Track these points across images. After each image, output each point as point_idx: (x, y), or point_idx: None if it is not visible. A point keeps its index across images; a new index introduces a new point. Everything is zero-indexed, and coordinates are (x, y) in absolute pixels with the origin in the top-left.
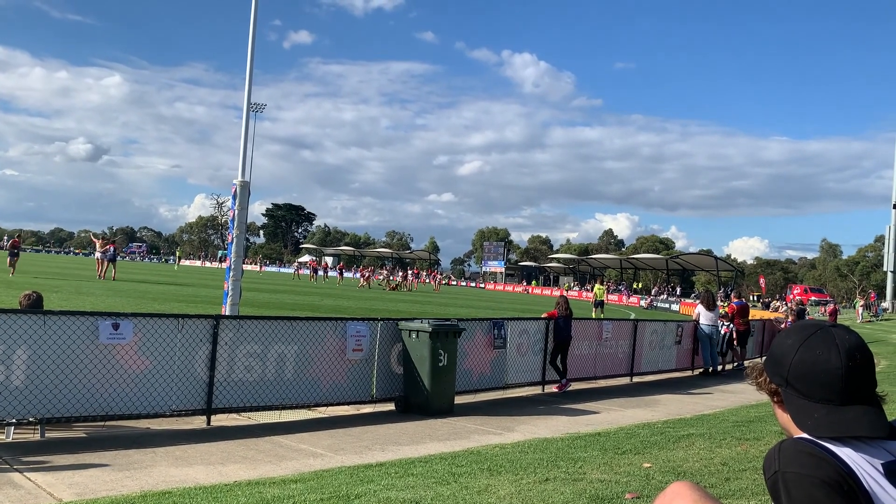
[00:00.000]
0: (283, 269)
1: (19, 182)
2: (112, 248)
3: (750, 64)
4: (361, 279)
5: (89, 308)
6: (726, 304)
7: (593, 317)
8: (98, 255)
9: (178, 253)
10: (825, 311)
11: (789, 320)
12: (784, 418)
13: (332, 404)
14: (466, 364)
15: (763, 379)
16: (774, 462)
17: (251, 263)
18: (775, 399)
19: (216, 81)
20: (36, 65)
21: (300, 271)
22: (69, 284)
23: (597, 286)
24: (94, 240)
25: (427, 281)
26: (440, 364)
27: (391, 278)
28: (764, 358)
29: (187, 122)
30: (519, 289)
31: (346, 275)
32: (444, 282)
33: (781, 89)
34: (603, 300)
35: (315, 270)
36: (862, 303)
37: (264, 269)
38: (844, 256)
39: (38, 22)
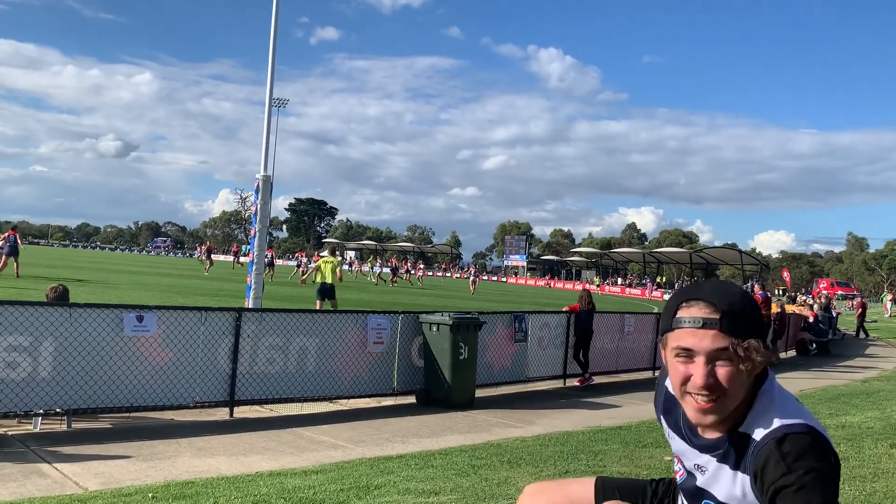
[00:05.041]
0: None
1: (48, 178)
2: (13, 236)
3: (779, 55)
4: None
5: (115, 301)
6: None
7: (317, 308)
8: None
9: (243, 248)
10: (853, 305)
11: (810, 317)
12: (743, 379)
13: (353, 397)
14: (487, 357)
15: (743, 345)
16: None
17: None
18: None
19: (243, 78)
20: (68, 63)
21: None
22: (95, 277)
23: (323, 259)
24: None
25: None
26: (461, 357)
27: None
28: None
29: (214, 118)
30: (541, 283)
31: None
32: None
33: (811, 81)
34: (333, 284)
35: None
36: (890, 297)
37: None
38: (872, 250)
39: (70, 20)
